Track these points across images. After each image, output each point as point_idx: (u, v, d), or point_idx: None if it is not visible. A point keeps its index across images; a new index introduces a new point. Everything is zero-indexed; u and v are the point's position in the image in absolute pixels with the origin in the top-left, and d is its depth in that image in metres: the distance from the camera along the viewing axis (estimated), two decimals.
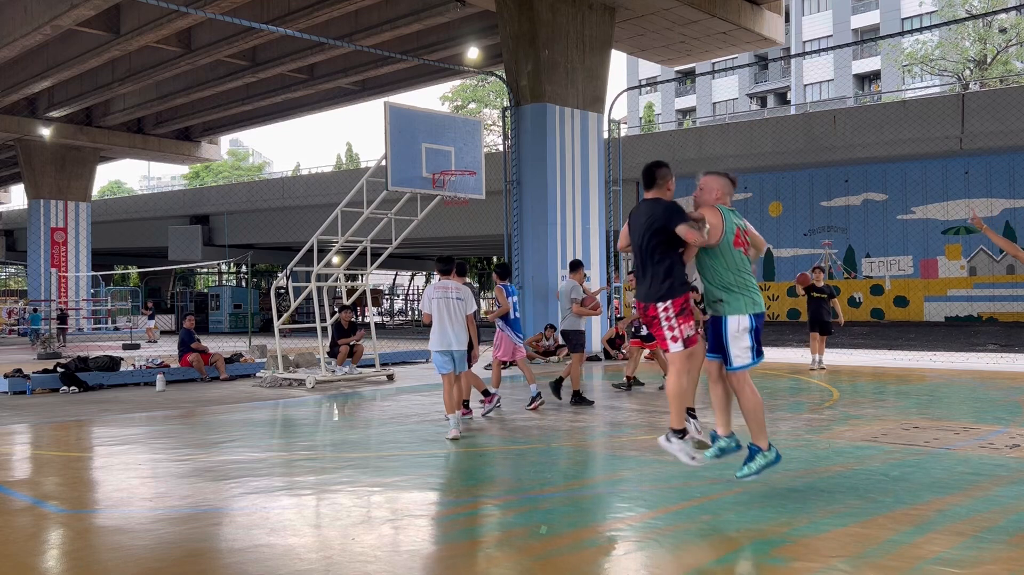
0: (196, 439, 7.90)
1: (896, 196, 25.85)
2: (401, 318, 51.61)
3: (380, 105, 14.06)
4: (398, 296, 57.07)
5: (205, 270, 59.45)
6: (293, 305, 13.65)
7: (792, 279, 19.35)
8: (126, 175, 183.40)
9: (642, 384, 11.31)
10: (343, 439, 7.95)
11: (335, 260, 16.70)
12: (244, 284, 52.87)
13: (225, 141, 56.73)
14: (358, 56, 25.68)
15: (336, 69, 27.02)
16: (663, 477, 5.72)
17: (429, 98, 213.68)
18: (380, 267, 26.32)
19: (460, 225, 32.02)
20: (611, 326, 17.69)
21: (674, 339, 5.11)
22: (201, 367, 13.65)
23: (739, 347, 5.00)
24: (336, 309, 14.86)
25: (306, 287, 13.50)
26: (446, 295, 7.72)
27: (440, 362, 7.72)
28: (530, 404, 9.31)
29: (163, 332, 34.12)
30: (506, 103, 17.82)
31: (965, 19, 30.89)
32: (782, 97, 56.78)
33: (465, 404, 8.79)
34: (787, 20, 48.97)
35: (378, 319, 45.88)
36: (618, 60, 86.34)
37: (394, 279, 58.86)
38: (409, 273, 58.41)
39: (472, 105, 49.86)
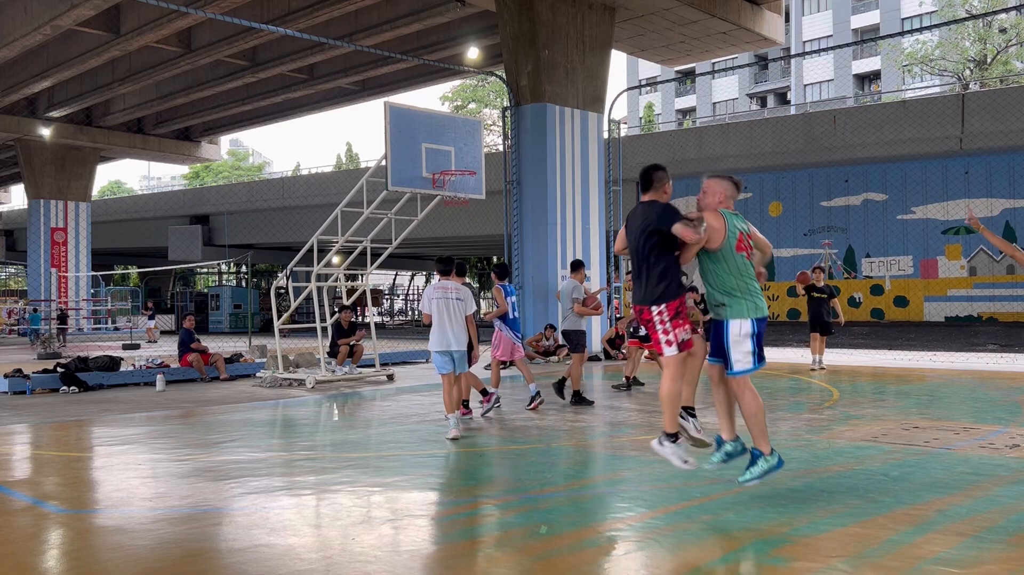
0: (196, 439, 7.90)
1: (896, 196, 25.83)
2: (401, 318, 51.62)
3: (380, 105, 14.05)
4: (398, 296, 57.08)
5: (205, 270, 59.44)
6: (293, 305, 13.65)
7: (792, 279, 19.36)
8: (126, 175, 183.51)
9: (642, 384, 11.32)
10: (343, 439, 7.95)
11: (335, 260, 16.70)
12: (244, 284, 52.86)
13: (225, 141, 56.77)
14: (358, 56, 25.68)
15: (336, 69, 27.02)
16: (663, 477, 5.72)
17: (429, 98, 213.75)
18: (380, 267, 26.32)
19: (460, 225, 32.01)
20: (611, 326, 17.69)
21: (668, 343, 5.10)
22: (201, 367, 13.65)
23: (740, 351, 4.99)
24: (336, 309, 14.86)
25: (306, 287, 13.51)
26: (446, 295, 7.73)
27: (440, 362, 7.73)
28: (530, 404, 9.31)
29: (163, 332, 34.12)
30: (506, 103, 17.82)
31: (965, 19, 30.89)
32: (782, 97, 56.77)
33: (465, 404, 8.80)
34: (787, 20, 48.95)
35: (378, 319, 45.88)
36: (618, 60, 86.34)
37: (394, 279, 58.87)
38: (409, 273, 58.41)
39: (472, 105, 49.84)
